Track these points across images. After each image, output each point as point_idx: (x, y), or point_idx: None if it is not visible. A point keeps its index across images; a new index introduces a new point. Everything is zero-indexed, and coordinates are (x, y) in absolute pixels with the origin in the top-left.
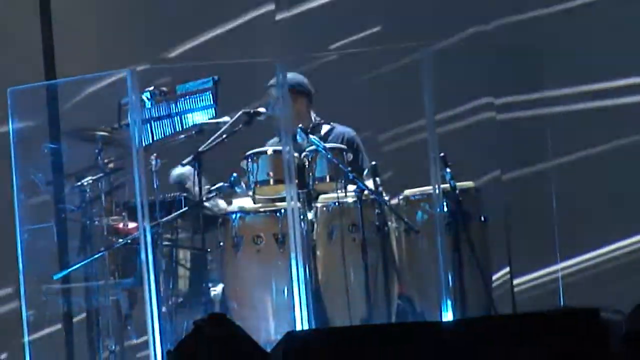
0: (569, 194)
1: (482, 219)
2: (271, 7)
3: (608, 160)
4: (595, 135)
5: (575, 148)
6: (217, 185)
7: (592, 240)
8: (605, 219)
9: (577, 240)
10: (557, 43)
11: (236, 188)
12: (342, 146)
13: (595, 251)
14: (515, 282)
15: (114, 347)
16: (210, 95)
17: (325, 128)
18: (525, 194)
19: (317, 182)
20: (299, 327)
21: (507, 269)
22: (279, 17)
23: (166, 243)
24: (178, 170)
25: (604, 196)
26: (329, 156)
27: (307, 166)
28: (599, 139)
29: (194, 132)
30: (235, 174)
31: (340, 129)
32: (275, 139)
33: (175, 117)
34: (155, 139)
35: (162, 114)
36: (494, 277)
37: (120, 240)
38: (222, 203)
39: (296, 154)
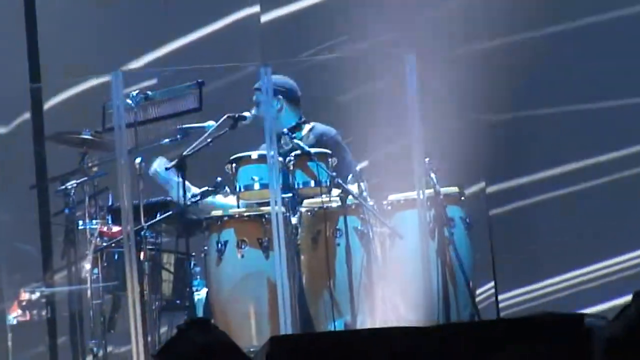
0: (555, 209)
1: (466, 224)
2: (256, 9)
3: (596, 175)
4: (584, 148)
5: (563, 161)
6: (201, 190)
7: (580, 256)
8: (594, 236)
9: (563, 257)
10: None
11: (220, 192)
12: (327, 151)
13: (584, 268)
14: (500, 297)
15: (97, 350)
16: (195, 98)
17: (306, 128)
18: (510, 206)
19: (301, 187)
20: (282, 332)
21: (492, 283)
22: (264, 19)
23: (150, 247)
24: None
25: (594, 213)
26: (314, 160)
27: (291, 170)
28: (588, 151)
29: (178, 135)
30: (219, 178)
31: (320, 128)
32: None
33: (160, 121)
34: (139, 142)
35: (146, 118)
36: (478, 291)
37: (104, 243)
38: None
39: (280, 159)
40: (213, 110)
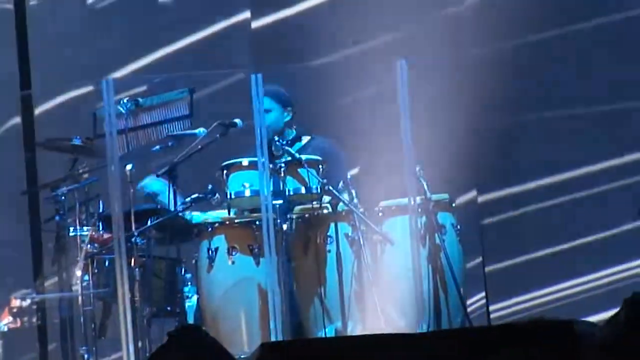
0: (547, 218)
1: (457, 230)
2: (247, 15)
3: (589, 184)
4: (577, 156)
5: (556, 169)
6: (192, 196)
7: (572, 267)
8: (586, 247)
9: (555, 267)
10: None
11: (211, 199)
12: (318, 157)
13: (575, 279)
14: (491, 307)
15: (88, 357)
16: (186, 105)
17: (305, 139)
18: (501, 214)
19: (292, 193)
20: (273, 339)
21: (483, 293)
22: (254, 25)
23: (141, 253)
24: (150, 183)
25: (586, 222)
26: (304, 167)
27: (282, 177)
28: (581, 160)
29: (169, 142)
30: (210, 185)
31: (319, 140)
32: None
33: (151, 128)
34: (130, 149)
35: (137, 125)
36: (469, 301)
37: (95, 250)
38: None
39: (271, 165)
40: (204, 117)
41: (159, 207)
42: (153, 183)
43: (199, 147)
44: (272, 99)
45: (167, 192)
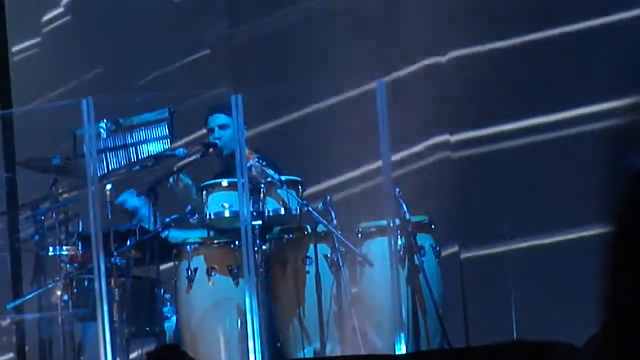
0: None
1: (437, 252)
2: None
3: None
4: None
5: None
6: (172, 217)
7: (548, 271)
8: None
9: (531, 270)
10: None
11: (191, 219)
12: (297, 178)
13: (551, 276)
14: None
15: None
16: (166, 126)
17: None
18: (478, 228)
19: (271, 214)
20: (252, 359)
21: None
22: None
23: (120, 274)
24: (130, 198)
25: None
26: (284, 188)
27: (261, 198)
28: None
29: (149, 162)
30: (190, 206)
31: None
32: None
33: (131, 148)
34: (110, 169)
35: (117, 145)
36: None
37: (75, 270)
38: None
39: (251, 186)
40: (184, 138)
41: (137, 224)
42: (133, 198)
43: (179, 167)
44: (229, 115)
45: (147, 209)
